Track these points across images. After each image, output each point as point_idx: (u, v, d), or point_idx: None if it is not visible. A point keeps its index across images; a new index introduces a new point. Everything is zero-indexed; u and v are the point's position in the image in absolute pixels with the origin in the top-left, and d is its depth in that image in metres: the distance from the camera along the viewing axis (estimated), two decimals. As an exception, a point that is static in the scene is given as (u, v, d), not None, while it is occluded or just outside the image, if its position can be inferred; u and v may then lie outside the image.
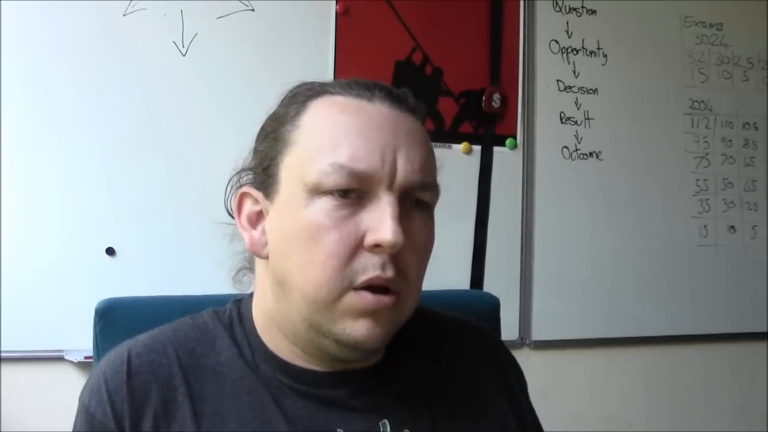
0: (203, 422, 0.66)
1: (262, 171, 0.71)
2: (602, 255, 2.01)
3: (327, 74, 1.74)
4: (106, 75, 1.60)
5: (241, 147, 1.74)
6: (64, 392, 1.59)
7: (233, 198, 0.74)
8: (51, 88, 1.57)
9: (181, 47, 1.66)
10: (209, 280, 1.62)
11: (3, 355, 1.53)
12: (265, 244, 0.70)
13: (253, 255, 0.73)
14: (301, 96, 0.71)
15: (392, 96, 0.68)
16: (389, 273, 0.63)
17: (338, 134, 0.65)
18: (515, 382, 0.82)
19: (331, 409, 0.69)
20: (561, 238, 1.97)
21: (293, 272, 0.66)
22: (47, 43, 1.57)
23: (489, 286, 1.87)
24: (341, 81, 0.70)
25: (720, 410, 2.13)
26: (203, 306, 0.76)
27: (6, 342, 1.53)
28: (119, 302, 0.87)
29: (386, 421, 0.69)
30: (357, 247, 0.63)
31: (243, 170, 0.75)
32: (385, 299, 0.63)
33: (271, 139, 0.71)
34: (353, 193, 0.64)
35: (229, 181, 0.76)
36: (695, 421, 2.07)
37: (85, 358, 1.56)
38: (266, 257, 0.70)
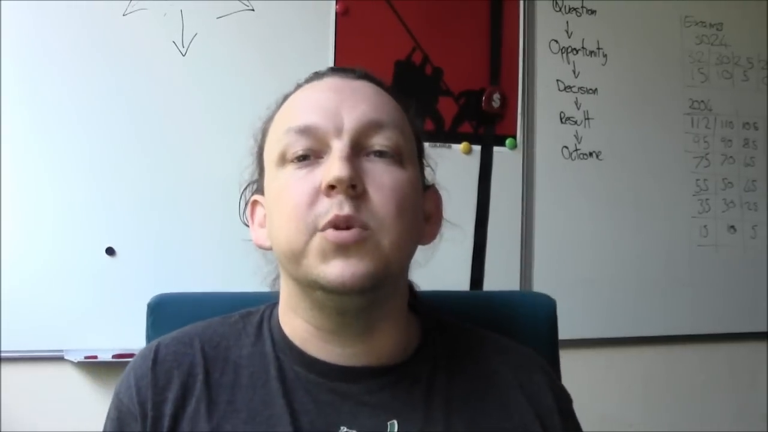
0: (216, 409, 0.69)
1: (259, 175, 0.77)
2: (602, 255, 2.01)
3: (327, 74, 1.74)
4: (106, 75, 1.60)
5: (241, 147, 1.74)
6: (64, 392, 1.60)
7: (247, 209, 0.80)
8: (51, 87, 1.57)
9: (181, 47, 1.66)
10: (209, 279, 1.63)
11: (3, 355, 1.53)
12: (267, 235, 0.74)
13: (260, 248, 0.77)
14: (282, 98, 0.78)
15: (339, 71, 0.75)
16: (346, 209, 0.65)
17: (290, 111, 0.73)
18: (556, 413, 0.76)
19: (343, 403, 0.69)
20: (561, 238, 1.97)
21: (275, 237, 0.70)
22: (47, 43, 1.57)
23: (489, 286, 1.87)
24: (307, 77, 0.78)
25: (720, 410, 2.13)
26: (250, 302, 0.80)
27: (6, 342, 1.53)
28: (170, 298, 0.91)
29: (395, 422, 0.69)
30: (316, 195, 0.66)
31: (251, 182, 0.81)
32: (346, 233, 0.64)
33: (260, 139, 0.78)
34: (311, 155, 0.68)
35: (241, 195, 0.82)
36: (695, 421, 2.07)
37: (85, 358, 1.56)
38: (270, 247, 0.73)
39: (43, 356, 1.57)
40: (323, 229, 0.65)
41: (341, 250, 0.65)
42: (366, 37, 1.80)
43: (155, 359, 0.72)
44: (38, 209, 1.57)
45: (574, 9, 2.00)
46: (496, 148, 1.92)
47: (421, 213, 0.74)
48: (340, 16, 1.78)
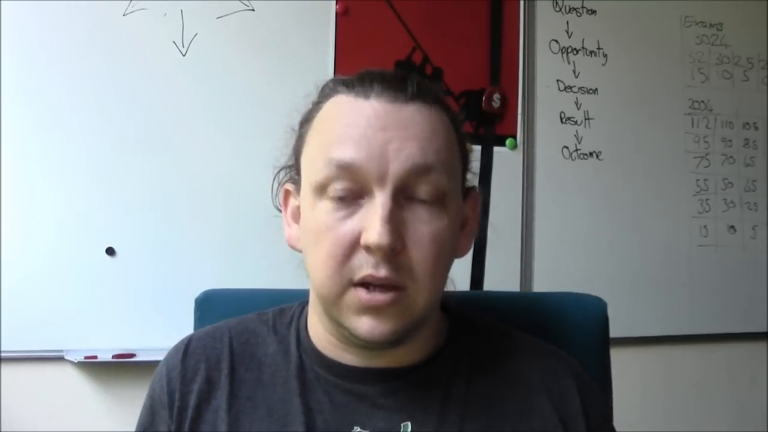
0: (235, 404, 0.71)
1: (294, 167, 0.75)
2: (602, 255, 2.01)
3: (327, 74, 1.74)
4: (106, 75, 1.60)
5: (241, 146, 1.74)
6: (64, 392, 1.60)
7: (280, 194, 0.77)
8: (51, 88, 1.57)
9: (181, 47, 1.66)
10: (210, 279, 1.63)
11: (3, 355, 1.53)
12: (299, 238, 0.73)
13: (291, 248, 0.75)
14: (319, 95, 0.74)
15: (389, 88, 0.68)
16: (382, 272, 0.64)
17: (334, 134, 0.68)
18: (580, 416, 0.73)
19: (359, 404, 0.70)
20: (561, 238, 1.97)
21: (310, 269, 0.70)
22: (47, 43, 1.57)
23: (489, 286, 1.87)
24: (351, 77, 0.72)
25: (720, 410, 2.13)
26: (295, 299, 0.80)
27: (6, 342, 1.53)
28: (216, 293, 0.94)
29: (409, 423, 0.69)
30: (353, 246, 0.65)
31: (284, 167, 0.77)
32: (379, 296, 0.64)
33: (297, 138, 0.75)
34: (350, 194, 0.66)
35: (275, 177, 0.78)
36: (695, 421, 2.07)
37: (86, 358, 1.56)
38: (301, 251, 0.73)
39: (43, 356, 1.57)
40: (357, 285, 0.65)
41: (373, 309, 0.65)
42: (366, 37, 1.80)
43: (186, 351, 0.74)
44: (38, 209, 1.56)
45: (574, 9, 2.00)
46: (496, 148, 1.92)
47: (457, 236, 0.72)
48: (340, 16, 1.78)
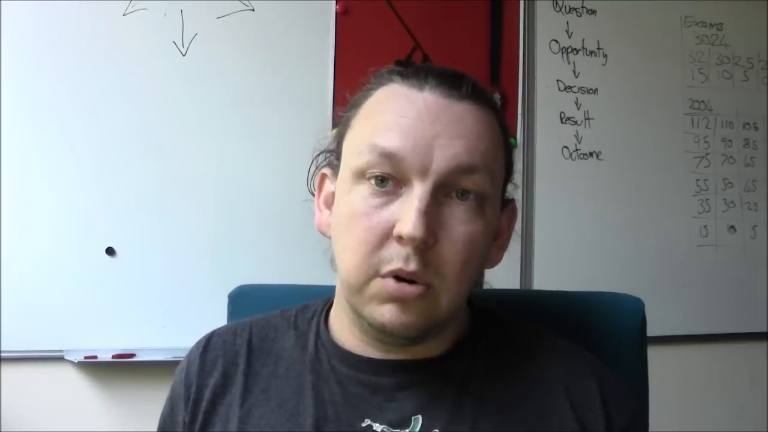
0: (249, 397, 0.72)
1: (335, 152, 0.74)
2: (602, 255, 2.01)
3: (327, 74, 1.74)
4: (106, 75, 1.60)
5: (241, 146, 1.74)
6: (64, 392, 1.60)
7: (316, 177, 0.76)
8: (51, 87, 1.57)
9: (181, 47, 1.66)
10: (209, 279, 1.63)
11: (3, 355, 1.53)
12: (330, 225, 0.72)
13: (321, 234, 0.74)
14: (372, 84, 0.72)
15: (444, 83, 0.68)
16: (412, 266, 0.63)
17: (381, 121, 0.67)
18: (600, 419, 0.71)
19: (372, 396, 0.70)
20: (561, 238, 1.97)
21: (338, 255, 0.69)
22: (47, 43, 1.57)
23: (489, 285, 1.87)
24: (407, 69, 0.71)
25: (720, 410, 2.13)
26: (326, 294, 0.80)
27: (6, 342, 1.53)
28: (249, 289, 0.94)
29: (420, 417, 0.69)
30: (386, 236, 0.64)
31: (325, 151, 0.76)
32: (407, 288, 0.64)
33: (343, 121, 0.73)
34: (390, 181, 0.65)
35: (313, 160, 0.77)
36: (695, 421, 2.06)
37: (85, 358, 1.56)
38: (330, 237, 0.72)
39: (43, 356, 1.57)
40: (384, 276, 0.64)
41: (398, 300, 0.64)
42: (366, 37, 1.80)
43: (206, 346, 0.76)
44: (38, 209, 1.57)
45: (574, 9, 2.00)
46: (496, 148, 1.92)
47: (490, 244, 0.72)
48: (340, 16, 1.78)
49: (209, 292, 1.59)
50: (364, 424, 0.68)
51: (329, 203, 0.73)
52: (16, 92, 1.55)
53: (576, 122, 2.00)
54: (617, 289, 2.16)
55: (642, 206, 2.05)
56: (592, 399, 0.72)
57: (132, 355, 1.58)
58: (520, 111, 1.94)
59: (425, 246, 0.63)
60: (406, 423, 0.68)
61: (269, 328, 0.77)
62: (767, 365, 2.16)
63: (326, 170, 0.74)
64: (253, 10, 1.71)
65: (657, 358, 2.16)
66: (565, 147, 1.98)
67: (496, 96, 1.90)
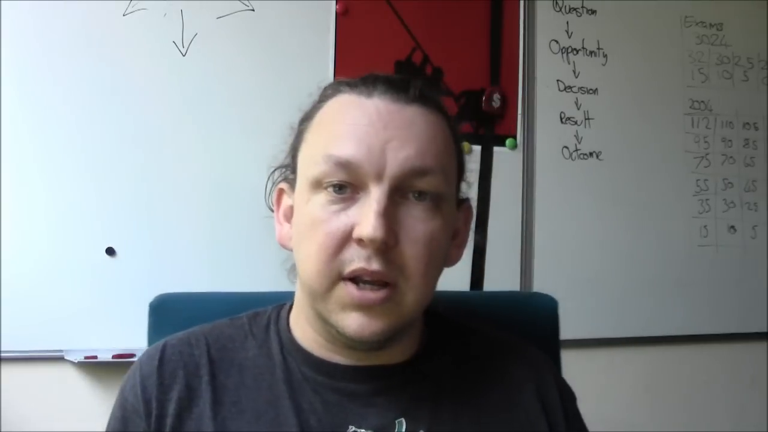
0: (221, 410, 0.69)
1: (290, 166, 0.75)
2: (602, 255, 2.01)
3: (327, 74, 1.74)
4: (106, 75, 1.60)
5: (241, 146, 1.75)
6: (64, 392, 1.60)
7: (273, 193, 0.77)
8: (50, 88, 1.57)
9: (181, 47, 1.66)
10: (209, 279, 1.63)
11: (3, 355, 1.53)
12: (291, 237, 0.73)
13: (282, 247, 0.75)
14: (322, 95, 0.74)
15: (392, 88, 0.69)
16: (374, 266, 0.64)
17: (335, 131, 0.68)
18: (560, 411, 0.78)
19: (351, 402, 0.70)
20: (561, 238, 1.97)
21: (301, 264, 0.69)
22: (47, 43, 1.57)
23: (489, 286, 1.87)
24: (355, 79, 0.72)
25: (720, 410, 2.12)
26: (253, 302, 0.80)
27: (6, 342, 1.53)
28: (171, 298, 0.90)
29: (403, 420, 0.70)
30: (346, 239, 0.65)
31: (280, 166, 0.77)
32: (370, 294, 0.64)
33: (295, 135, 0.75)
34: (348, 188, 0.66)
35: (270, 176, 0.78)
36: (695, 421, 2.07)
37: (86, 358, 1.56)
38: (292, 249, 0.73)
39: (43, 356, 1.57)
40: (347, 279, 0.65)
41: (363, 307, 0.65)
42: (366, 37, 1.80)
43: (161, 358, 0.72)
44: (38, 209, 1.56)
45: (574, 9, 2.00)
46: (496, 148, 1.92)
47: (449, 243, 0.72)
48: (340, 16, 1.78)
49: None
50: (349, 431, 0.69)
51: (288, 217, 0.74)
52: (15, 92, 1.55)
53: (576, 122, 2.00)
54: (617, 289, 2.18)
55: (642, 206, 2.05)
56: (551, 390, 0.78)
57: (132, 355, 1.58)
58: (520, 111, 1.94)
59: (386, 247, 0.64)
60: (390, 427, 0.69)
61: (225, 338, 0.75)
62: (767, 365, 2.16)
63: (283, 185, 0.76)
64: (253, 10, 1.71)
65: (657, 358, 2.18)
66: (565, 147, 1.98)
67: (496, 96, 1.90)
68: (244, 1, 1.71)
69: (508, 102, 1.92)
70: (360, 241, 0.64)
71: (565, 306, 2.19)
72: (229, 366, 0.72)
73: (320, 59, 1.75)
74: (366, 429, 0.69)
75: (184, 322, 0.78)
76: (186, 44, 1.66)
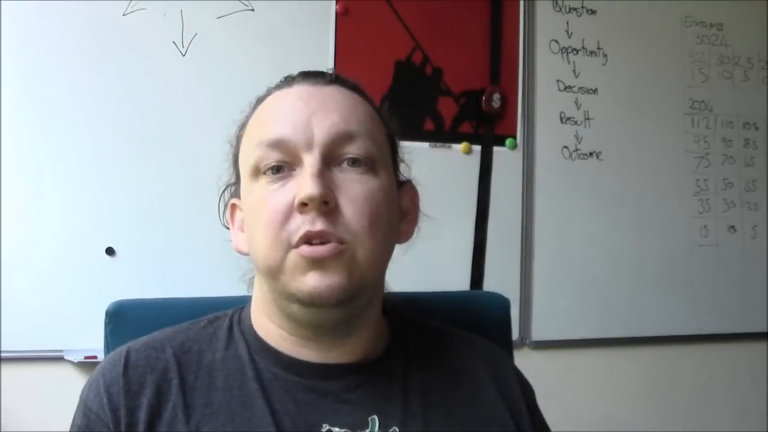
0: (193, 413, 0.68)
1: (236, 180, 0.77)
2: (602, 255, 2.01)
3: (327, 74, 1.74)
4: (106, 75, 1.60)
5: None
6: (64, 392, 1.58)
7: (227, 212, 0.80)
8: (50, 88, 1.57)
9: (181, 47, 1.66)
10: (209, 279, 1.63)
11: (3, 355, 1.53)
12: (246, 240, 0.74)
13: (240, 253, 0.77)
14: (253, 106, 0.78)
15: (309, 76, 0.74)
16: (319, 226, 0.65)
17: (262, 120, 0.73)
18: (523, 404, 0.80)
19: (323, 401, 0.70)
20: (561, 238, 1.97)
21: (252, 250, 0.71)
22: (47, 43, 1.57)
23: (489, 286, 1.87)
24: (278, 82, 0.77)
25: (720, 410, 2.13)
26: (211, 307, 0.80)
27: (6, 342, 1.53)
28: (129, 304, 0.89)
29: (375, 417, 0.70)
30: (290, 211, 0.67)
31: (228, 184, 0.80)
32: (320, 247, 0.65)
33: (234, 146, 0.78)
34: (284, 168, 0.68)
35: (220, 197, 0.81)
36: (695, 421, 2.07)
37: (85, 358, 1.56)
38: (248, 252, 0.74)
39: (43, 356, 1.57)
40: (297, 246, 0.66)
41: (317, 264, 0.66)
42: (366, 37, 1.80)
43: (126, 364, 0.70)
44: (38, 209, 1.56)
45: (574, 9, 2.00)
46: (496, 148, 1.92)
47: (397, 214, 0.75)
48: (340, 16, 1.78)
49: (210, 293, 1.59)
50: (323, 430, 0.69)
51: (242, 228, 0.76)
52: (15, 92, 1.55)
53: (576, 122, 2.00)
54: (618, 289, 2.18)
55: (642, 206, 2.05)
56: (512, 384, 0.81)
57: (132, 355, 1.58)
58: (520, 111, 1.94)
59: (327, 207, 0.66)
60: (364, 424, 0.70)
61: (189, 341, 0.74)
62: (767, 365, 2.16)
63: (234, 200, 0.78)
64: (253, 10, 1.71)
65: (657, 358, 2.18)
66: (565, 147, 1.98)
67: (496, 96, 1.90)
68: (244, 1, 1.71)
69: (508, 102, 1.92)
70: (302, 206, 0.65)
71: (565, 306, 2.20)
72: (198, 368, 0.71)
73: (320, 59, 1.75)
74: (340, 427, 0.69)
75: (143, 328, 0.77)
76: (186, 44, 1.66)
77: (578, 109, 2.00)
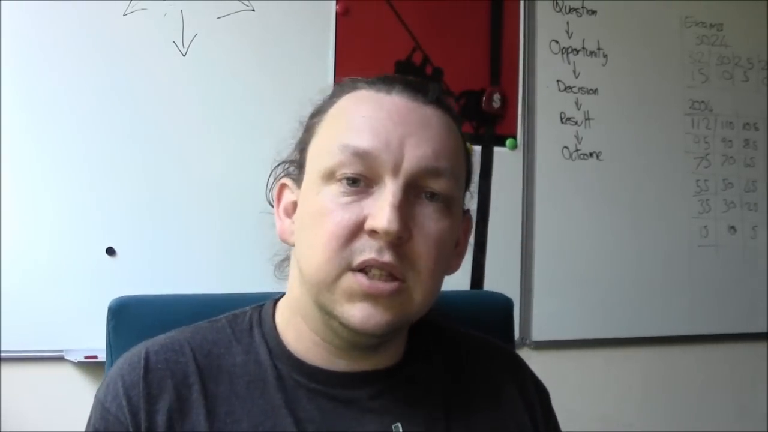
0: (216, 421, 0.67)
1: (297, 162, 0.73)
2: (602, 255, 2.01)
3: (327, 74, 1.74)
4: (106, 75, 1.60)
5: (241, 146, 1.74)
6: (64, 392, 1.60)
7: (274, 188, 0.76)
8: (50, 87, 1.57)
9: (181, 47, 1.66)
10: (210, 279, 1.63)
11: (3, 355, 1.53)
12: (293, 232, 0.72)
13: (283, 242, 0.74)
14: (336, 91, 0.73)
15: (410, 88, 0.70)
16: (386, 257, 0.63)
17: (351, 123, 0.68)
18: (539, 407, 0.80)
19: (347, 409, 0.69)
20: (561, 238, 1.97)
21: (303, 254, 0.68)
22: (47, 43, 1.57)
23: (489, 286, 1.87)
24: (372, 78, 0.72)
25: (720, 410, 2.12)
26: (215, 304, 0.78)
27: (6, 342, 1.53)
28: (132, 300, 0.87)
29: (399, 425, 0.69)
30: (358, 230, 0.64)
31: (285, 161, 0.76)
32: (381, 284, 0.63)
33: (305, 130, 0.74)
34: (361, 181, 0.65)
35: (272, 171, 0.77)
36: (695, 422, 2.07)
37: (86, 358, 1.56)
38: (293, 244, 0.72)
39: (43, 356, 1.57)
40: (356, 269, 0.64)
41: (370, 297, 0.64)
42: (366, 37, 1.80)
43: (146, 367, 0.68)
44: (38, 209, 1.56)
45: (575, 9, 2.00)
46: (496, 148, 1.92)
47: (453, 249, 0.72)
48: (340, 16, 1.78)
49: (210, 293, 1.59)
50: None
51: (290, 212, 0.73)
52: (15, 92, 1.55)
53: (576, 122, 2.00)
54: (618, 289, 2.18)
55: (642, 207, 2.05)
56: (531, 388, 0.80)
57: (132, 355, 1.58)
58: (520, 111, 1.94)
59: (399, 241, 0.63)
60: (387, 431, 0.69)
61: (209, 343, 0.72)
62: (767, 365, 2.16)
63: (286, 180, 0.74)
64: (253, 10, 1.71)
65: (657, 358, 2.18)
66: (565, 147, 1.98)
67: (497, 97, 1.90)
68: (244, 1, 1.71)
69: (508, 102, 1.92)
70: (372, 233, 0.63)
71: (566, 306, 2.19)
72: (218, 373, 0.70)
73: (320, 59, 1.75)
74: None
75: (146, 325, 0.76)
76: (186, 44, 1.66)
77: (578, 109, 2.00)
